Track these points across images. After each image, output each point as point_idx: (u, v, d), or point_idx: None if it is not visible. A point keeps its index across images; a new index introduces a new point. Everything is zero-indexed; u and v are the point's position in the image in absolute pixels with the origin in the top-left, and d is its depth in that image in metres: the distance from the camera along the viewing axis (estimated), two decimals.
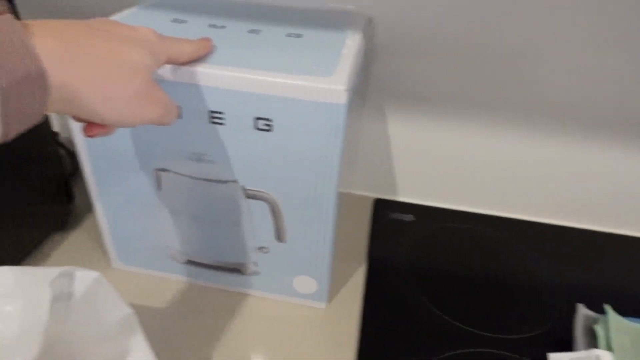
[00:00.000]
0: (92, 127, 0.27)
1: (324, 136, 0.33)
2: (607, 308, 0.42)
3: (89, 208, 0.55)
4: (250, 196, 0.38)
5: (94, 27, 0.25)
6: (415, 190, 0.60)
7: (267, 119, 0.34)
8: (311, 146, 0.34)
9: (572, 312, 0.44)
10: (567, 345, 0.42)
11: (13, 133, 0.21)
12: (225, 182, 0.37)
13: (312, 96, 0.32)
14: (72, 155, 0.61)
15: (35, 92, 0.20)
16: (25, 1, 0.54)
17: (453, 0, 0.46)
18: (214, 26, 0.40)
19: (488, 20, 0.46)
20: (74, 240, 0.50)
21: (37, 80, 0.20)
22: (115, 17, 0.41)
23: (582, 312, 0.43)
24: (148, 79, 0.27)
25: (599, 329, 0.41)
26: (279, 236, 0.40)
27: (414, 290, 0.46)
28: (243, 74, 0.32)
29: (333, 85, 0.31)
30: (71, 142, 0.65)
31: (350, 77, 0.33)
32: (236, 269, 0.43)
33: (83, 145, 0.39)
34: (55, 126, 0.61)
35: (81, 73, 0.22)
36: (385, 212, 0.57)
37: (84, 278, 0.34)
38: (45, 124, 0.47)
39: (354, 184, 0.61)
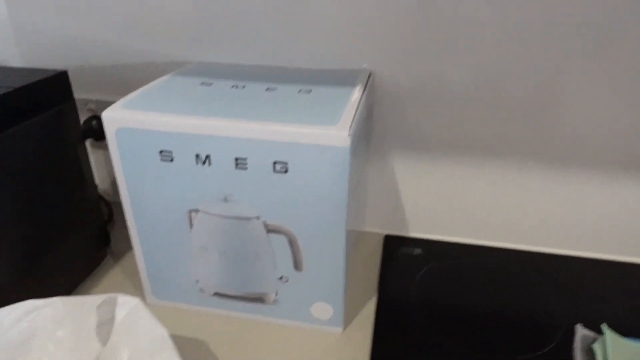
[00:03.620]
0: None
1: (332, 176, 0.39)
2: (604, 328, 0.45)
3: (122, 251, 0.61)
4: (271, 230, 0.43)
5: None
6: (423, 225, 0.64)
7: (283, 163, 0.39)
8: (321, 185, 0.40)
9: (572, 333, 0.47)
10: None
11: None
12: (249, 219, 0.43)
13: (321, 141, 0.38)
14: (108, 204, 0.68)
15: None
16: (81, 73, 0.63)
17: (441, 55, 0.53)
18: (236, 87, 0.47)
19: (483, 66, 0.53)
20: (111, 278, 0.56)
21: None
22: (153, 84, 0.48)
23: (581, 332, 0.46)
24: None
25: (597, 348, 0.44)
26: (297, 266, 0.44)
27: (420, 318, 0.50)
28: (262, 125, 0.39)
29: (338, 132, 0.37)
30: (107, 192, 0.72)
31: (353, 124, 0.39)
32: (259, 299, 0.48)
33: (127, 197, 0.45)
34: (95, 179, 0.68)
35: None
36: (395, 247, 0.62)
37: (125, 303, 0.39)
38: (90, 179, 0.54)
39: (365, 223, 0.66)
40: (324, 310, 0.47)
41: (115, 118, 0.41)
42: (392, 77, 0.55)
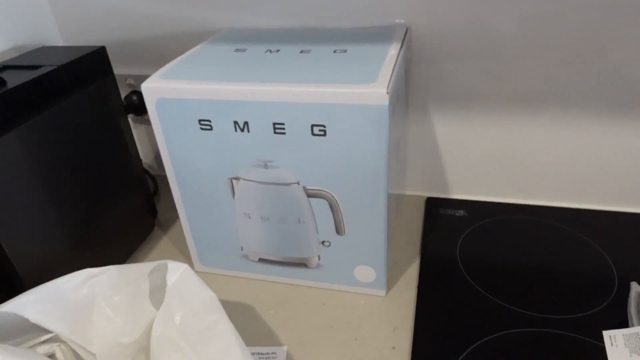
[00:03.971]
0: None
1: (371, 136, 0.38)
2: None
3: (169, 222, 0.63)
4: (311, 195, 0.43)
5: None
6: (465, 186, 0.63)
7: (321, 125, 0.39)
8: (361, 146, 0.39)
9: (627, 291, 0.45)
10: (622, 323, 0.43)
11: None
12: (289, 184, 0.43)
13: (359, 101, 0.37)
14: (153, 177, 0.70)
15: None
16: (119, 49, 0.64)
17: (479, 8, 0.50)
18: (270, 51, 0.47)
19: (528, 11, 0.50)
20: (160, 249, 0.58)
21: None
22: (188, 53, 0.48)
23: (636, 289, 0.45)
24: None
25: None
26: (339, 230, 0.44)
27: (465, 278, 0.49)
28: (299, 87, 0.38)
29: (376, 90, 0.36)
30: (151, 166, 0.74)
31: (392, 82, 0.38)
32: (302, 264, 0.48)
33: (170, 167, 0.46)
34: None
35: None
36: (437, 209, 0.61)
37: (175, 269, 0.40)
38: (135, 153, 0.55)
39: (406, 186, 0.65)
40: (367, 273, 0.47)
41: (154, 89, 0.42)
42: (431, 31, 0.52)
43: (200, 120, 0.42)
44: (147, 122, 0.70)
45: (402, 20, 0.52)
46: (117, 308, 0.40)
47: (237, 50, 0.48)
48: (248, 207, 0.46)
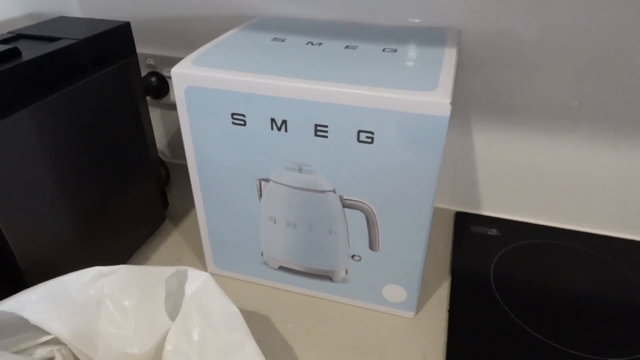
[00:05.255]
0: None
1: (424, 148, 0.34)
2: None
3: (181, 214, 0.59)
4: (348, 205, 0.39)
5: None
6: (498, 203, 0.59)
7: (369, 132, 0.35)
8: (411, 158, 0.35)
9: None
10: None
11: None
12: (324, 191, 0.39)
13: (417, 109, 0.33)
14: (165, 165, 0.66)
15: None
16: (140, 26, 0.60)
17: (538, 10, 0.46)
18: (312, 43, 0.42)
19: (575, 26, 0.46)
20: (169, 243, 0.54)
21: None
22: (222, 38, 0.44)
23: None
24: None
25: None
26: (372, 245, 0.41)
27: (500, 305, 0.46)
28: (349, 89, 0.34)
29: (438, 99, 0.32)
30: (163, 153, 0.70)
31: (453, 90, 0.34)
32: (327, 276, 0.44)
33: (193, 160, 0.42)
34: None
35: None
36: (467, 225, 0.57)
37: (195, 277, 0.37)
38: (152, 139, 0.51)
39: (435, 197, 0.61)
40: (396, 292, 0.43)
41: (185, 75, 0.38)
42: (482, 36, 0.48)
43: (233, 114, 0.38)
44: (164, 106, 0.66)
45: (453, 22, 0.48)
46: (126, 313, 0.37)
47: (274, 39, 0.44)
48: (275, 211, 0.42)
